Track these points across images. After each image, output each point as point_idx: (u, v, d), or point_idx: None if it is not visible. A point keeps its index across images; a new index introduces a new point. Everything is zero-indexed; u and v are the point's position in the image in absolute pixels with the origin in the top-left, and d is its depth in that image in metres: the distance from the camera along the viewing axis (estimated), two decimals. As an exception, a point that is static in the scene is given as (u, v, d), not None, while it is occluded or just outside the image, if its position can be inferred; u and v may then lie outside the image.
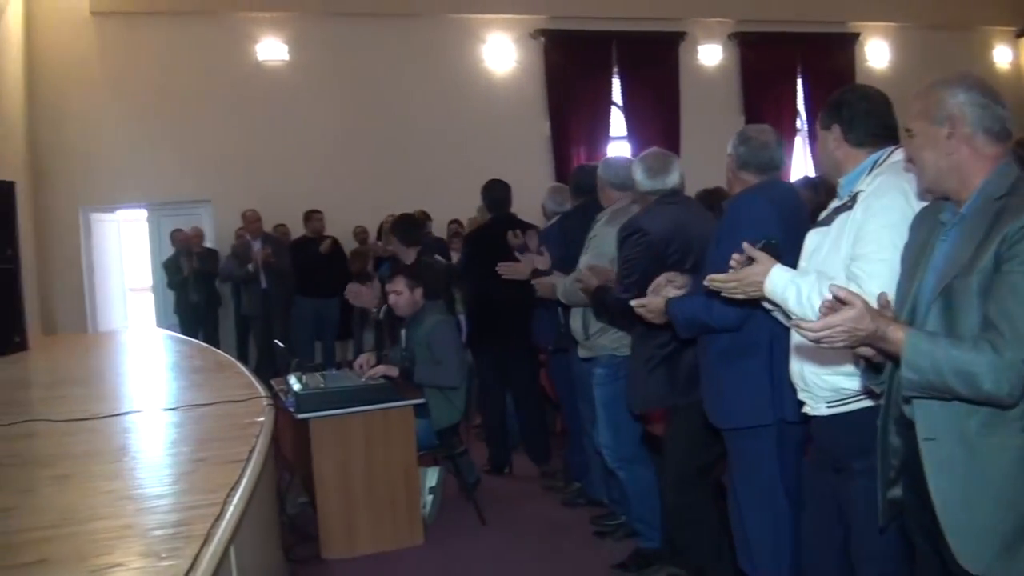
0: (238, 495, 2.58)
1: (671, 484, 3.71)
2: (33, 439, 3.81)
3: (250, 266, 9.13)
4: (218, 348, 7.63)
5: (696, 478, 3.64)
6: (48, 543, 2.35)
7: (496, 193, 6.04)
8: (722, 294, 2.67)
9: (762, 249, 2.58)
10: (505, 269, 4.98)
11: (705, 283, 2.73)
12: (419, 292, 5.21)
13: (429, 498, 5.00)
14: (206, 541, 2.18)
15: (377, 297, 5.80)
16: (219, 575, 2.09)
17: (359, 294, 5.93)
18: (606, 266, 4.01)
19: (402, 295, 5.17)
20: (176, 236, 10.00)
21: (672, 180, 3.80)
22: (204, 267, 9.80)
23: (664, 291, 3.23)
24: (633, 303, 3.30)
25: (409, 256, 5.73)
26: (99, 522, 2.52)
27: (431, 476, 5.04)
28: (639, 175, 3.82)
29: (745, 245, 2.59)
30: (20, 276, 7.80)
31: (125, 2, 10.52)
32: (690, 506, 3.64)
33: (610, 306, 3.81)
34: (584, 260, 4.29)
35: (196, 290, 9.77)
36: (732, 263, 2.62)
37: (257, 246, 9.23)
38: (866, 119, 2.63)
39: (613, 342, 4.19)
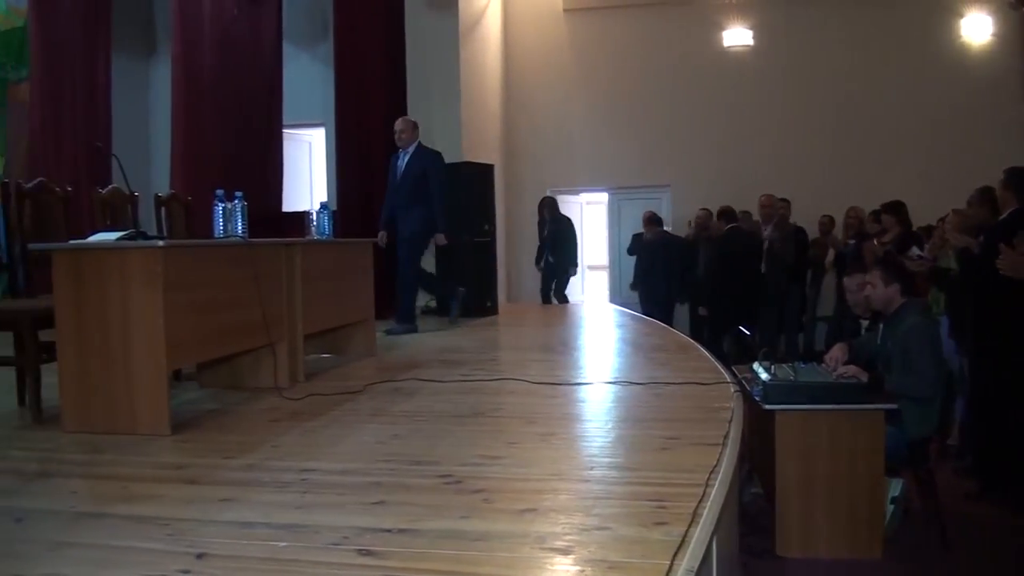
0: (719, 479, 2.52)
1: None
2: (512, 396, 4.12)
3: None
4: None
5: None
6: (537, 494, 2.47)
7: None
8: None
9: None
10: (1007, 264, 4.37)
11: None
12: (895, 288, 4.81)
13: (891, 508, 4.62)
14: (693, 521, 2.15)
15: None
16: (706, 556, 2.06)
17: None
18: None
19: (876, 288, 4.83)
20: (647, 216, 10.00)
21: None
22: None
23: None
24: None
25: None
26: (583, 484, 2.60)
27: (895, 486, 4.64)
28: None
29: None
30: (496, 249, 8.70)
31: (597, -1, 11.13)
32: None
33: None
34: None
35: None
36: None
37: (768, 230, 8.96)
38: None
39: None
